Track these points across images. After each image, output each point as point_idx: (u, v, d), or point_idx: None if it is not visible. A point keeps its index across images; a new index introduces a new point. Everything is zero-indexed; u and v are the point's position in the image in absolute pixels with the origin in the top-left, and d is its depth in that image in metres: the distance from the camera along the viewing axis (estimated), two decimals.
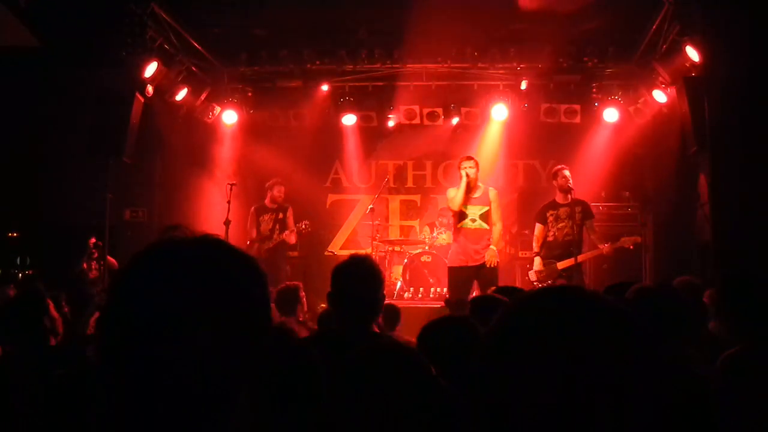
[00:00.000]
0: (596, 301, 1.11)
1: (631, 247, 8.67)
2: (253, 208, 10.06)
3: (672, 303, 3.02)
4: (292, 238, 9.84)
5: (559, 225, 8.49)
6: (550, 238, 8.55)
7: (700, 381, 2.36)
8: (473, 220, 8.10)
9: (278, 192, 10.00)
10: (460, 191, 8.10)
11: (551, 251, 8.54)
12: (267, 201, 10.07)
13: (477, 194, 8.17)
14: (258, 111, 11.27)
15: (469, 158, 8.34)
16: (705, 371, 2.71)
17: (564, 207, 8.50)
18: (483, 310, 3.76)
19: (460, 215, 8.17)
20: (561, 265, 8.39)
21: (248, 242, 9.89)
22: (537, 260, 8.61)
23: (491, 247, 8.05)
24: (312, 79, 10.71)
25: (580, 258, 8.38)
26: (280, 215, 9.92)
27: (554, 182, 8.71)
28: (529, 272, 8.73)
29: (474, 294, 7.81)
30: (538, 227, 8.67)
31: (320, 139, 11.72)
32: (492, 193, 8.23)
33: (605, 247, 8.50)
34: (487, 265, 7.98)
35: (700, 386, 2.31)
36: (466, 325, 2.69)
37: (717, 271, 7.19)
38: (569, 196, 8.47)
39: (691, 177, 9.47)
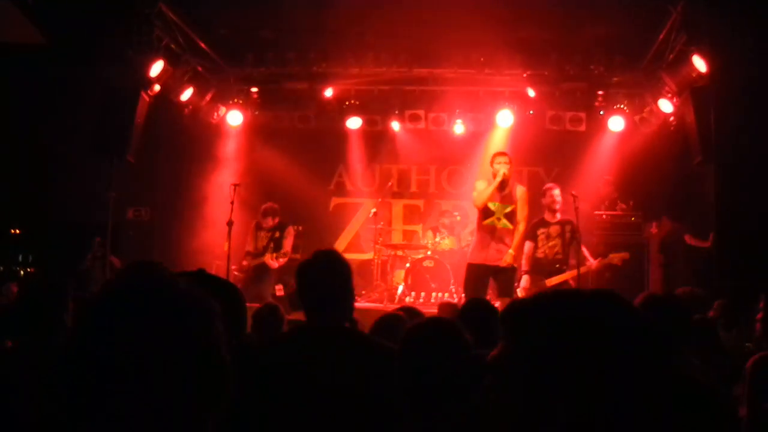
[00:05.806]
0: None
1: (619, 263, 8.54)
2: (254, 222, 9.81)
3: (676, 312, 3.00)
4: (273, 264, 9.35)
5: (550, 243, 8.28)
6: (539, 255, 8.30)
7: (709, 391, 2.34)
8: (498, 219, 7.74)
9: (266, 221, 9.67)
10: (490, 187, 7.73)
11: (541, 268, 8.29)
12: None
13: (505, 191, 7.82)
14: (263, 112, 11.27)
15: (503, 154, 8.00)
16: (714, 381, 2.69)
17: (554, 225, 8.30)
18: (474, 316, 3.72)
19: (485, 212, 7.79)
20: (550, 281, 8.17)
21: (245, 253, 9.75)
22: (525, 278, 8.23)
23: (509, 251, 7.68)
24: (318, 82, 10.70)
25: (569, 274, 8.15)
26: (276, 234, 9.58)
27: (542, 200, 8.46)
28: (517, 290, 8.15)
29: (489, 297, 7.65)
30: (528, 245, 8.29)
31: (325, 142, 11.72)
32: (520, 191, 7.85)
33: (594, 263, 8.36)
34: (501, 264, 7.67)
35: (709, 396, 2.29)
36: (451, 329, 2.60)
37: (721, 282, 7.18)
38: (558, 215, 8.30)
39: (696, 187, 9.45)
